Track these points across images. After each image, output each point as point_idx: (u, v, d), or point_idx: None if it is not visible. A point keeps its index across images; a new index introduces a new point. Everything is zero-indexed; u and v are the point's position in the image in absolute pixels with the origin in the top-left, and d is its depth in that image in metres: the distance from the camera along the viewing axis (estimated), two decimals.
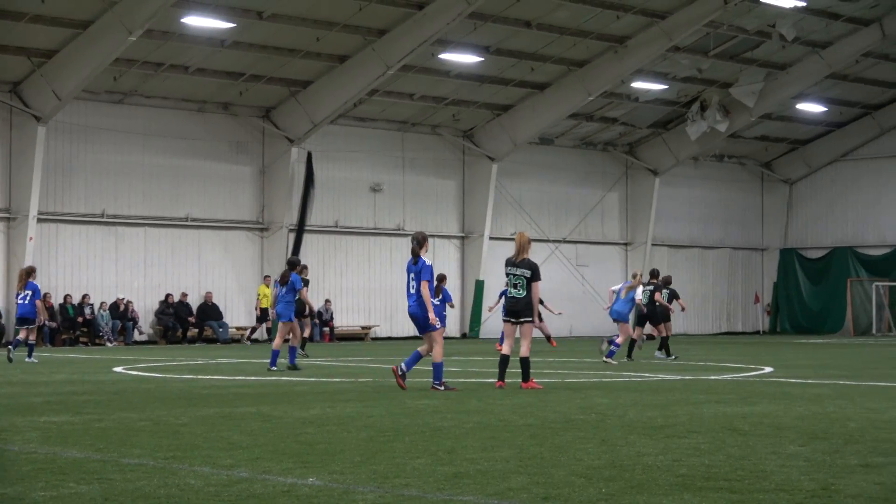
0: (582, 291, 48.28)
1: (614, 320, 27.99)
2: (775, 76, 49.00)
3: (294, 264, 25.03)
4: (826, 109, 53.72)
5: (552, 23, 41.40)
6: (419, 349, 18.57)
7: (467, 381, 20.92)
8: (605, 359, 27.00)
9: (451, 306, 30.81)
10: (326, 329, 43.63)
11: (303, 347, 31.27)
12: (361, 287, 45.15)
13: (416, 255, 18.53)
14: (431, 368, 18.70)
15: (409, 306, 18.61)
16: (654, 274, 30.59)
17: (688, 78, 48.18)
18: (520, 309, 18.86)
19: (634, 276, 28.42)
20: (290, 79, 41.47)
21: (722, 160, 57.04)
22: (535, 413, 14.61)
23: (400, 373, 18.23)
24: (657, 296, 29.61)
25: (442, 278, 33.32)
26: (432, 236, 47.03)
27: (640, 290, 28.44)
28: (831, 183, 57.68)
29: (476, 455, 10.73)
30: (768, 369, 24.82)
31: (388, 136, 46.42)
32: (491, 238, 47.99)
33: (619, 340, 27.28)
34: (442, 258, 46.23)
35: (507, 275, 19.05)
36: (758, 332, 56.76)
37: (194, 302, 41.88)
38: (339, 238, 45.14)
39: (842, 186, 57.37)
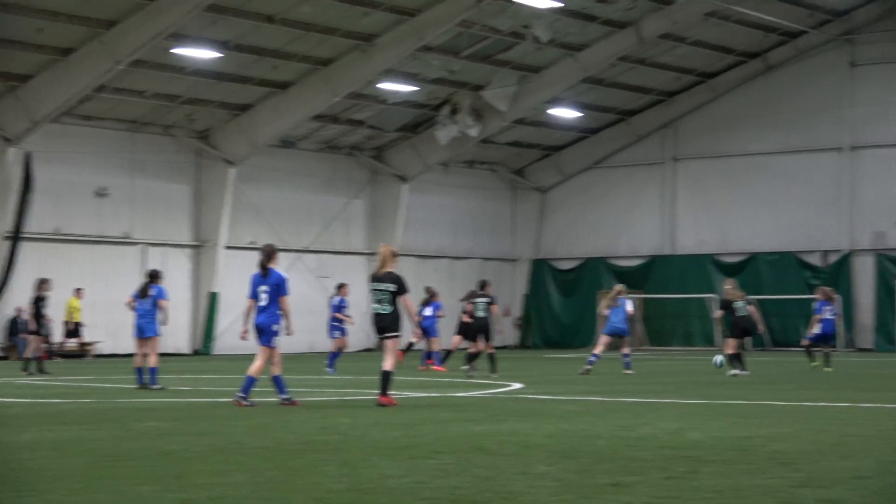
0: (324, 304, 48.02)
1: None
2: (529, 79, 49.91)
3: (155, 276, 24.82)
4: (580, 115, 54.94)
5: (296, 18, 41.29)
6: (249, 371, 19.12)
7: (198, 402, 20.72)
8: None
9: (348, 318, 33.33)
10: (44, 346, 42.51)
11: (40, 370, 31.27)
12: (84, 300, 44.11)
13: (264, 268, 19.27)
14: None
15: (257, 318, 19.20)
16: (484, 285, 31.04)
17: (438, 79, 48.69)
18: (386, 325, 19.16)
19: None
20: (8, 73, 40.34)
21: (472, 166, 57.80)
22: (272, 434, 14.56)
23: (247, 403, 18.81)
24: (494, 308, 30.32)
25: (340, 287, 33.33)
26: (162, 245, 46.44)
27: (629, 302, 30.69)
28: (585, 191, 58.99)
29: (206, 480, 10.63)
30: (518, 385, 25.23)
31: (116, 136, 45.56)
32: (227, 247, 47.58)
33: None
34: (172, 269, 45.55)
35: (372, 290, 19.36)
36: (507, 347, 57.62)
37: None
38: (59, 247, 44.05)
39: (595, 195, 58.70)
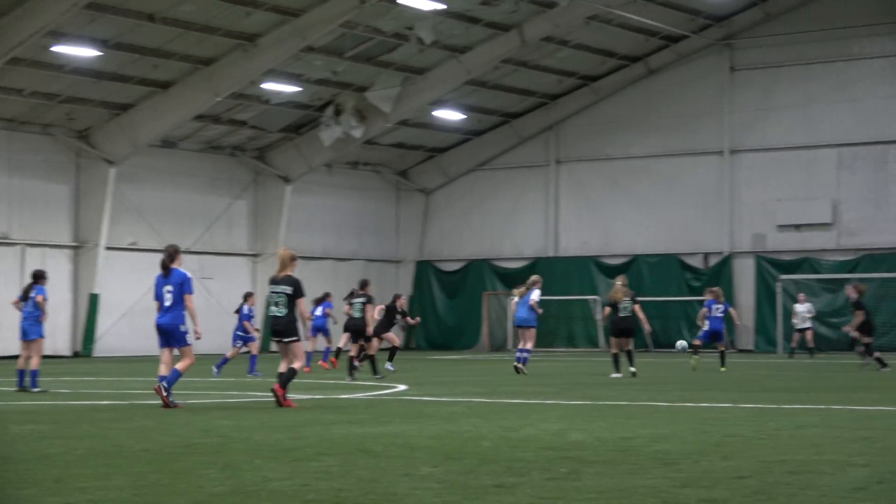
0: (206, 306, 47.69)
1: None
2: (413, 81, 49.96)
3: (38, 276, 24.54)
4: (464, 117, 55.11)
5: (177, 17, 40.96)
6: (177, 366, 19.17)
7: (79, 404, 20.48)
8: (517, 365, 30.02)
9: (257, 331, 32.85)
10: None
11: None
12: None
13: (166, 269, 19.48)
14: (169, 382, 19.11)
15: (159, 318, 19.32)
16: (364, 285, 30.70)
17: (322, 80, 48.57)
18: (282, 328, 19.33)
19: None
20: None
21: (356, 167, 57.72)
22: (154, 437, 14.43)
23: (165, 393, 18.87)
24: (368, 308, 30.06)
25: (247, 296, 32.78)
26: (41, 245, 45.80)
27: (535, 292, 30.03)
28: (468, 193, 59.16)
29: (87, 484, 10.50)
30: (402, 387, 25.25)
31: None
32: (107, 248, 47.03)
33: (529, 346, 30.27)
34: (52, 269, 44.89)
35: (269, 293, 19.59)
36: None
37: None
38: None
39: (479, 197, 58.92)
